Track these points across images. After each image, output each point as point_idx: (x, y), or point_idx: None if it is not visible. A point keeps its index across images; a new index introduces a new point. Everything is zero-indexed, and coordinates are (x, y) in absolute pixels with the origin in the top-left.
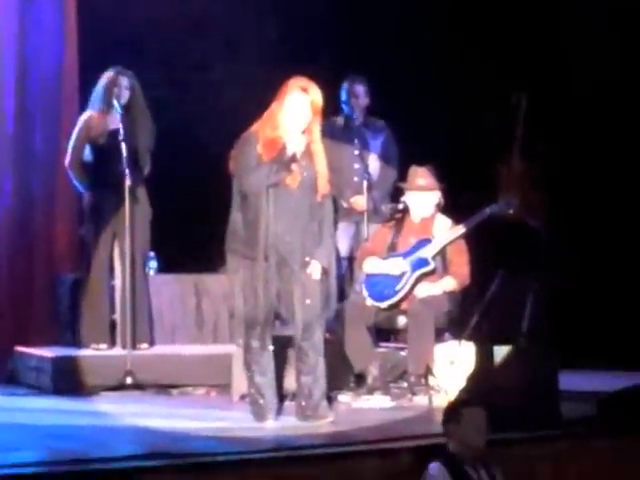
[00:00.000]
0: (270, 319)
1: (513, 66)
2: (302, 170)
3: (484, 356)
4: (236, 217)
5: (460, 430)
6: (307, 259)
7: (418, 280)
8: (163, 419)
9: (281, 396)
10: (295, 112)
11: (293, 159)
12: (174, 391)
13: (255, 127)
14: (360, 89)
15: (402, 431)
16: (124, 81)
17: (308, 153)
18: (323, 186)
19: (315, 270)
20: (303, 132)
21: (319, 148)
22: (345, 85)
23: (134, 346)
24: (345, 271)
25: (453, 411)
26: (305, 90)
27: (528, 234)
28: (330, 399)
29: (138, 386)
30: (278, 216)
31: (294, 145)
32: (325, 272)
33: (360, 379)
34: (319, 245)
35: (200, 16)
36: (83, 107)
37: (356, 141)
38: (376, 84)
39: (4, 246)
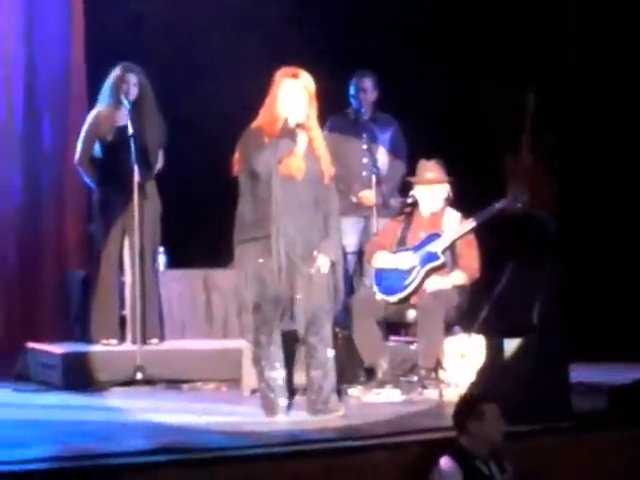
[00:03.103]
0: (279, 312)
1: (522, 59)
2: (306, 163)
3: (494, 349)
4: (244, 207)
5: (482, 427)
6: (315, 253)
7: (428, 274)
8: (173, 414)
9: (291, 390)
10: (291, 97)
11: (297, 128)
12: (184, 386)
13: (255, 122)
14: (368, 83)
15: (412, 425)
16: (132, 77)
17: (310, 146)
18: (327, 167)
19: (323, 264)
20: (302, 116)
21: (317, 134)
22: (353, 80)
23: (144, 341)
24: (354, 265)
25: (473, 408)
26: (295, 75)
27: (537, 227)
28: (340, 393)
29: (148, 381)
30: (283, 208)
31: (295, 119)
32: (332, 265)
33: (370, 373)
34: (325, 238)
35: (206, 13)
36: (91, 104)
37: (364, 135)
38: (384, 78)
39: (14, 243)
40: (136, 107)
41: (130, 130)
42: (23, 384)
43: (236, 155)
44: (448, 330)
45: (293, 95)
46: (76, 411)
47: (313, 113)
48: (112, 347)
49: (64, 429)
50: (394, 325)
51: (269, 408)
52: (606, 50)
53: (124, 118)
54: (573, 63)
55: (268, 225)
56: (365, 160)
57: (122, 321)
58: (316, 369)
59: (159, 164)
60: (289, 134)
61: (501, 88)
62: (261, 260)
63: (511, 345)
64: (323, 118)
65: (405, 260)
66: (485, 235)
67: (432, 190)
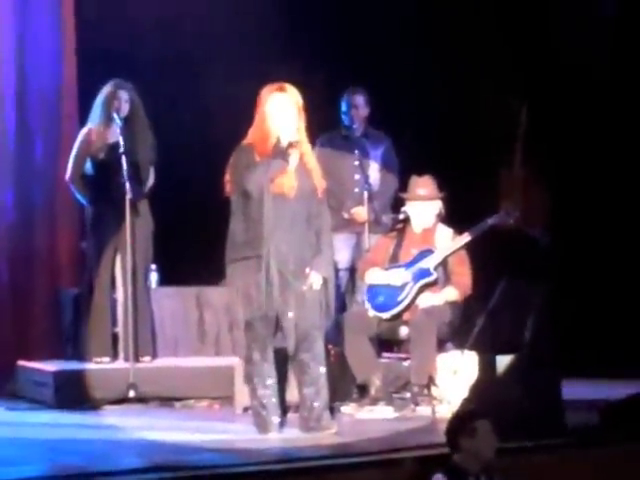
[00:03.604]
0: (271, 329)
1: (514, 74)
2: (298, 180)
3: (487, 366)
4: (235, 227)
5: (474, 444)
6: (307, 270)
7: (420, 290)
8: (166, 432)
9: (284, 408)
10: (280, 112)
11: (289, 147)
12: (177, 404)
13: (245, 140)
14: (360, 100)
15: (405, 442)
16: (123, 94)
17: (301, 161)
18: (319, 180)
19: (315, 281)
20: (293, 131)
21: (307, 148)
22: (345, 96)
23: (136, 359)
24: (347, 282)
25: (465, 424)
26: (282, 89)
27: (529, 243)
28: (333, 410)
29: (141, 399)
30: (275, 226)
31: (287, 137)
32: (324, 282)
33: (363, 390)
34: (317, 255)
35: (198, 30)
36: (83, 122)
37: (356, 152)
38: (375, 95)
39: (5, 260)
40: (127, 124)
41: (122, 147)
42: (15, 402)
43: (227, 175)
44: (441, 346)
45: (282, 109)
46: (68, 429)
47: (302, 126)
48: (104, 365)
49: (56, 447)
50: (387, 342)
51: (262, 426)
52: (599, 64)
53: (115, 135)
54: (565, 77)
55: (260, 245)
56: (357, 176)
57: (114, 339)
58: (308, 386)
59: (150, 181)
60: (281, 154)
61: (493, 103)
62: (252, 279)
63: (503, 362)
64: (314, 134)
65: (397, 276)
66: (477, 251)
67: (424, 206)
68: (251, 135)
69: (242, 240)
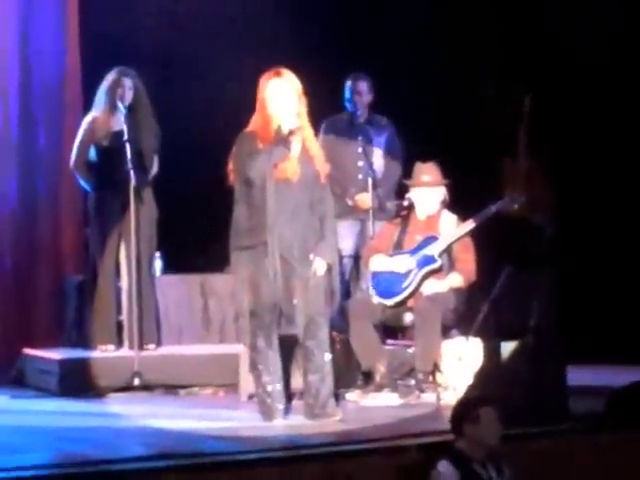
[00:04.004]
0: (275, 316)
1: (519, 63)
2: (301, 165)
3: (492, 352)
4: (239, 214)
5: (478, 430)
6: (311, 256)
7: (425, 277)
8: (171, 420)
9: (289, 395)
10: (279, 97)
11: (290, 135)
12: (182, 391)
13: (248, 127)
14: (363, 86)
15: (410, 429)
16: (127, 81)
17: (303, 146)
18: (321, 166)
19: (319, 267)
20: (294, 115)
21: (309, 133)
22: (348, 82)
23: (141, 347)
24: (351, 269)
25: (468, 411)
26: (279, 74)
27: (534, 230)
28: (338, 397)
29: (146, 387)
30: (278, 212)
31: (288, 124)
32: (329, 268)
33: (368, 377)
34: (321, 241)
35: (202, 16)
36: (86, 110)
37: (360, 138)
38: (380, 81)
39: (10, 249)
40: (131, 111)
41: (126, 135)
42: (20, 390)
43: (230, 164)
44: (445, 333)
45: (281, 94)
46: (73, 417)
47: (303, 110)
48: (109, 353)
49: (61, 435)
50: (391, 329)
51: (267, 413)
52: (604, 55)
53: (119, 122)
54: (570, 67)
55: (263, 232)
56: (361, 163)
57: (119, 327)
58: (313, 373)
59: (154, 169)
60: (283, 141)
61: (498, 91)
62: (257, 267)
63: (508, 348)
64: (317, 120)
65: (402, 263)
66: (482, 238)
67: (428, 193)
68: (253, 122)
69: (246, 228)
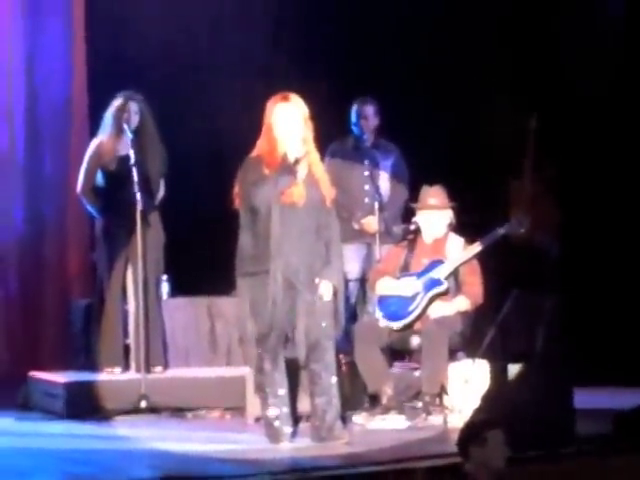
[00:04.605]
0: (282, 340)
1: (524, 84)
2: (307, 190)
3: (498, 375)
4: (244, 241)
5: (484, 453)
6: (317, 281)
7: (431, 300)
8: (178, 442)
9: (295, 418)
10: (285, 121)
11: (296, 164)
12: (189, 414)
13: (254, 152)
14: (370, 110)
15: (417, 451)
16: (133, 106)
17: (309, 171)
18: (327, 190)
19: (326, 291)
20: (300, 140)
21: (315, 158)
22: (355, 106)
23: (148, 370)
24: (357, 292)
25: (475, 434)
26: (286, 99)
27: (540, 253)
28: (344, 420)
29: (152, 410)
30: (284, 236)
31: (294, 152)
32: (334, 292)
33: (374, 400)
34: (327, 265)
35: (207, 43)
36: (93, 133)
37: (366, 162)
38: (386, 104)
39: (16, 272)
40: (138, 136)
41: (132, 159)
42: (26, 413)
43: (236, 188)
44: (452, 356)
45: (288, 119)
46: (80, 440)
47: (309, 135)
48: (116, 375)
49: (68, 458)
50: (398, 352)
51: (273, 436)
52: (608, 75)
53: (126, 147)
54: (575, 88)
55: (267, 260)
56: (367, 187)
57: (126, 349)
58: (320, 396)
59: (160, 193)
60: (288, 169)
61: (503, 113)
62: (261, 294)
63: (515, 370)
64: (323, 144)
65: (408, 286)
66: (488, 261)
67: (435, 216)
68: (259, 147)
69: (250, 255)
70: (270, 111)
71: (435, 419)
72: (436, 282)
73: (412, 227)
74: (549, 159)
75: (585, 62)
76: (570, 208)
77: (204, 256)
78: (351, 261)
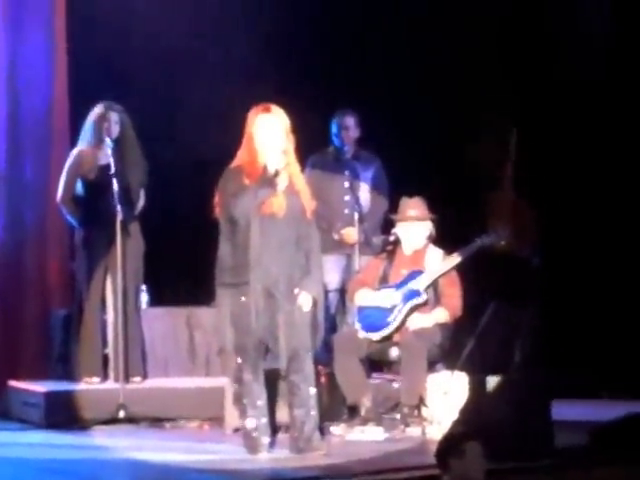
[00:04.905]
0: (261, 351)
1: (505, 96)
2: (287, 201)
3: (477, 387)
4: (224, 251)
5: (463, 465)
6: (296, 291)
7: (410, 312)
8: (156, 452)
9: (274, 429)
10: (266, 132)
11: (276, 175)
12: (167, 424)
13: (234, 162)
14: (350, 121)
15: (396, 463)
16: (114, 116)
17: (290, 183)
18: (307, 201)
19: (305, 302)
20: (281, 152)
21: (296, 169)
22: (335, 118)
23: (127, 379)
24: (337, 303)
25: (454, 446)
26: (267, 110)
27: (519, 265)
28: (323, 431)
29: (131, 419)
30: (264, 247)
31: (274, 163)
32: (314, 302)
33: (353, 411)
34: (306, 276)
35: (189, 52)
36: (74, 139)
37: (347, 173)
38: (366, 116)
39: None
40: (118, 145)
41: (112, 169)
42: (5, 423)
43: (216, 198)
44: (431, 367)
45: (269, 130)
46: (58, 450)
47: (290, 147)
48: (95, 385)
49: (47, 467)
50: (377, 363)
51: (252, 446)
52: (589, 86)
53: (106, 157)
54: (555, 99)
55: (246, 271)
56: (347, 198)
57: (105, 359)
58: (299, 407)
59: (140, 203)
60: (269, 180)
61: (483, 125)
62: (240, 305)
63: (493, 383)
64: (304, 155)
65: (387, 298)
66: (467, 272)
67: (414, 227)
68: (239, 157)
69: (229, 266)
70: (251, 122)
71: (413, 431)
72: (415, 293)
73: (392, 238)
74: (529, 170)
75: (569, 72)
76: (550, 219)
77: (183, 266)
78: (331, 272)
